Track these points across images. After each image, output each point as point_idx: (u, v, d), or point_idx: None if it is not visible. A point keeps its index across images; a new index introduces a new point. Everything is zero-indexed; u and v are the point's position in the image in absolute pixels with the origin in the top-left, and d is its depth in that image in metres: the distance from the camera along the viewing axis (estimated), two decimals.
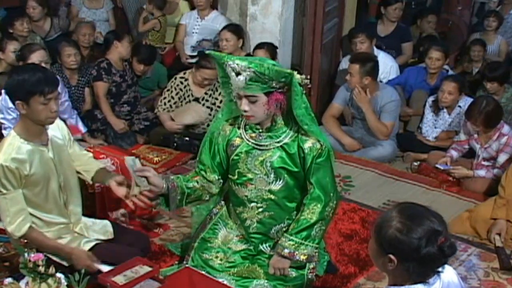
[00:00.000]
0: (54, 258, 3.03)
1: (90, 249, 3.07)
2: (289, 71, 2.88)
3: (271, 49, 5.43)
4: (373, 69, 5.12)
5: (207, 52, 3.14)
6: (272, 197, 3.10)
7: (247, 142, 3.08)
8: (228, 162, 3.16)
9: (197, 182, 3.17)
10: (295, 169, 3.04)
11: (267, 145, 3.04)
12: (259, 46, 5.47)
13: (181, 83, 5.33)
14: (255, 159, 3.06)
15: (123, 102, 5.47)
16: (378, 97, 5.16)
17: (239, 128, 3.13)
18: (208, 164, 3.19)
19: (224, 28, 5.74)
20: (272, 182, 3.07)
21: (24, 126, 2.97)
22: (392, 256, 2.02)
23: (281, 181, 3.07)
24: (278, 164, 3.04)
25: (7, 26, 5.62)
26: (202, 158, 3.22)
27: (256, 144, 3.06)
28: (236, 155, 3.10)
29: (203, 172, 3.20)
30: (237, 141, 3.11)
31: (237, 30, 5.69)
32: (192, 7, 6.60)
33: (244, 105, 2.93)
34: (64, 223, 3.14)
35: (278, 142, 3.03)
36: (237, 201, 3.18)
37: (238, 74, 2.86)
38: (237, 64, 2.86)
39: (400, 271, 2.04)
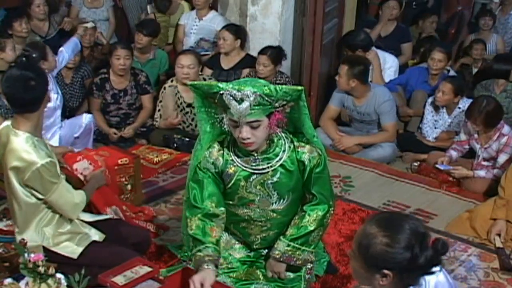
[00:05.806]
0: (62, 253, 3.05)
1: (88, 246, 3.10)
2: (299, 87, 2.76)
3: (274, 55, 5.36)
4: (361, 73, 5.11)
5: (190, 83, 2.89)
6: (277, 216, 3.05)
7: (244, 168, 2.92)
8: (224, 189, 3.00)
9: (218, 231, 2.93)
10: (297, 184, 2.99)
11: (266, 168, 2.91)
12: (262, 51, 5.40)
13: (171, 92, 5.29)
14: (255, 182, 2.95)
15: (111, 116, 5.37)
16: (372, 98, 5.16)
17: (228, 154, 2.92)
18: (217, 194, 2.93)
19: (223, 27, 5.73)
20: (276, 202, 2.99)
21: (35, 124, 2.97)
22: (386, 271, 1.97)
23: (285, 200, 3.00)
24: (280, 185, 2.95)
25: (6, 27, 5.61)
26: (209, 193, 2.91)
27: (255, 169, 2.92)
28: (234, 183, 2.96)
29: (210, 209, 2.91)
30: (232, 169, 2.93)
31: (236, 30, 5.68)
32: (193, 8, 6.59)
33: (245, 133, 2.71)
34: None
35: (278, 161, 2.91)
36: (239, 219, 3.09)
37: (241, 101, 2.65)
38: (238, 91, 2.65)
39: (396, 282, 2.00)
